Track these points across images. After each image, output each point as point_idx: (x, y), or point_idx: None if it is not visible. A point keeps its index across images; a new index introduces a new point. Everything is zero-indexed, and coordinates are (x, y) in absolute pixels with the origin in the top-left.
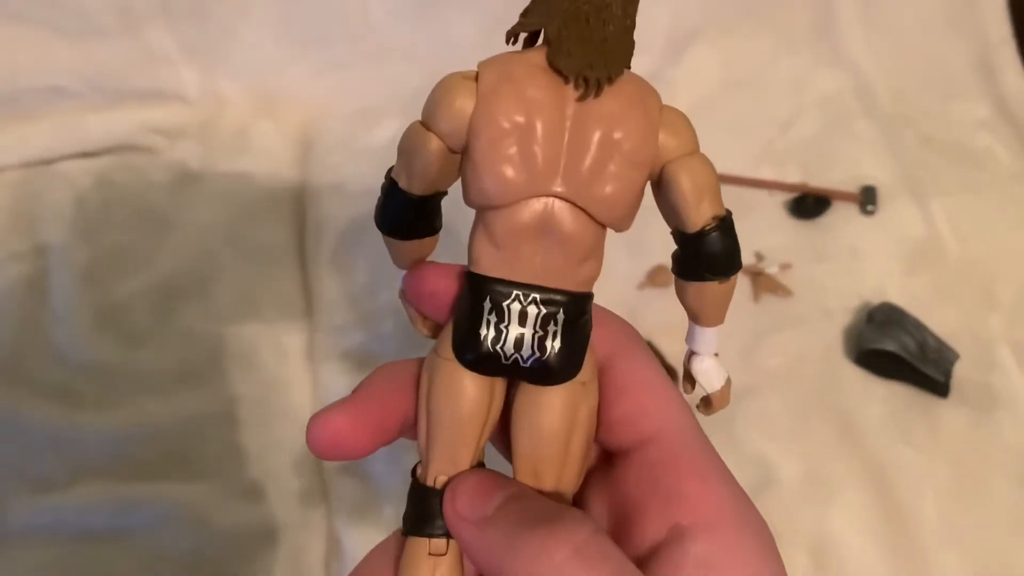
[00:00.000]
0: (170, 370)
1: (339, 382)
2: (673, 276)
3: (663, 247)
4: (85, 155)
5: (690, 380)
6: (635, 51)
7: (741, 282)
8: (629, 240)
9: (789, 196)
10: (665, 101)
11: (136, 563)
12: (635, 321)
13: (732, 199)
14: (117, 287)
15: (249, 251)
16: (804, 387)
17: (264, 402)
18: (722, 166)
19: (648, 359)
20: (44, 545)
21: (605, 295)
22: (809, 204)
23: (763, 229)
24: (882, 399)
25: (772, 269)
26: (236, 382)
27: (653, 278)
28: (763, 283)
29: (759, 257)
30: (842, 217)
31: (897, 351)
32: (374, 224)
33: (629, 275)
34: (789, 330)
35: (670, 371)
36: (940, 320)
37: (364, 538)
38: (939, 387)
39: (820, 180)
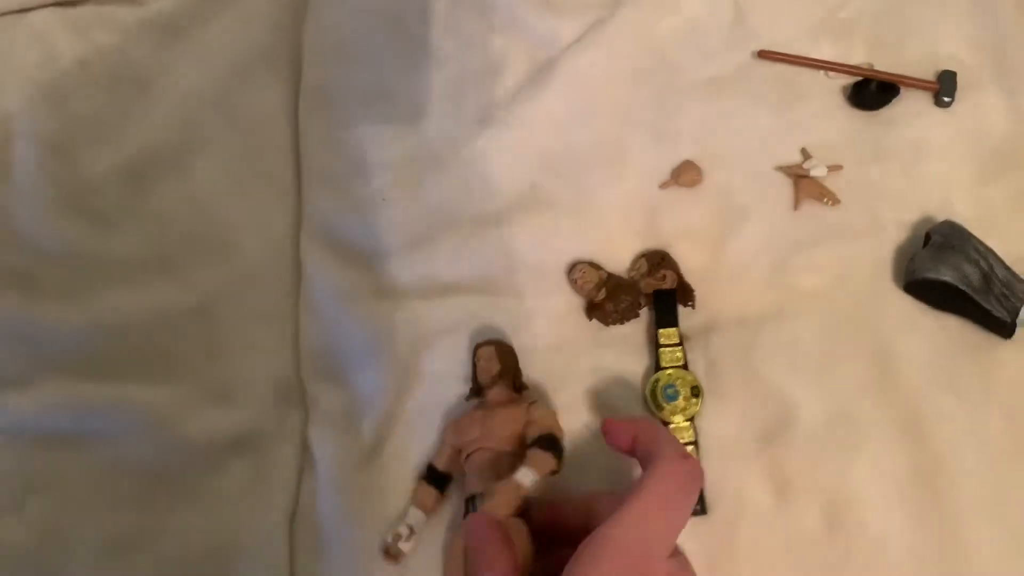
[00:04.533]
0: (142, 258)
1: (326, 280)
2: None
3: (695, 138)
4: (60, 4)
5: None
6: None
7: (780, 185)
8: (657, 126)
9: (849, 80)
10: None
11: (94, 472)
12: (654, 224)
13: (780, 81)
14: (87, 161)
15: (237, 120)
16: (840, 313)
17: (244, 298)
18: (773, 38)
19: None
20: None
21: (622, 191)
22: (872, 91)
23: (814, 120)
24: (931, 335)
25: (819, 170)
26: (215, 274)
27: (679, 175)
28: (806, 187)
29: (805, 155)
30: (911, 108)
31: (955, 282)
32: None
33: (652, 169)
34: (831, 245)
35: (685, 289)
36: (1015, 243)
37: (340, 452)
38: (1002, 327)
39: (889, 61)
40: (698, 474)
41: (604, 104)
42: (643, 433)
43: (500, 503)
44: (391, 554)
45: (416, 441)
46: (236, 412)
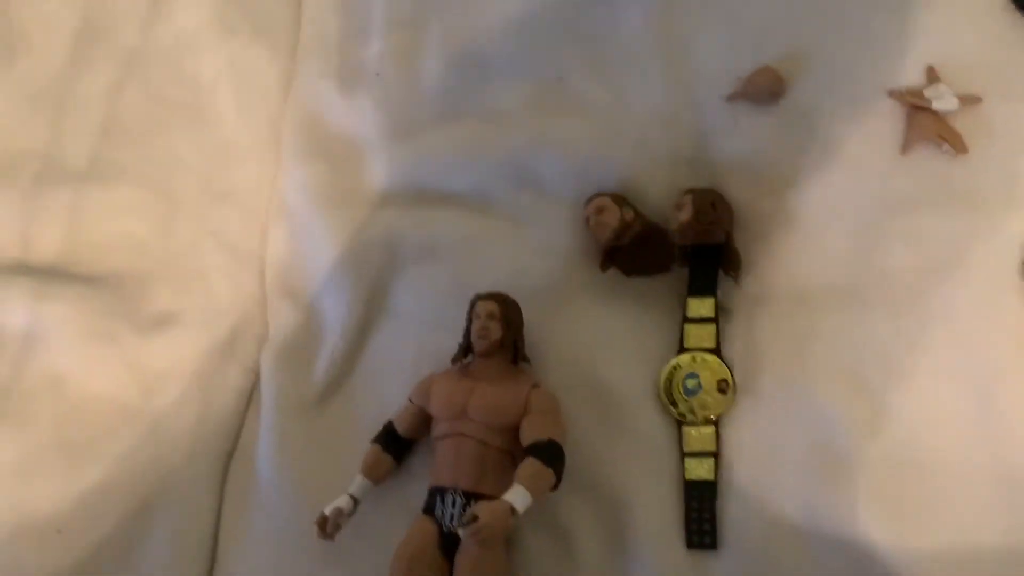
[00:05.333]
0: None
1: (304, 168)
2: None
3: (784, 35)
4: None
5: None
6: None
7: (888, 116)
8: (734, 12)
9: None
10: None
11: None
12: (706, 148)
13: None
14: None
15: None
16: (939, 313)
17: (213, 175)
18: None
19: None
20: None
21: (672, 97)
22: None
23: (954, 24)
24: None
25: (946, 102)
26: (181, 143)
27: (753, 85)
28: (924, 124)
29: (930, 77)
30: None
31: None
32: None
33: (717, 71)
34: (944, 212)
35: (732, 253)
36: None
37: (289, 389)
38: None
39: None
40: None
41: None
42: None
43: (492, 529)
44: (326, 530)
45: (373, 391)
46: (187, 322)
